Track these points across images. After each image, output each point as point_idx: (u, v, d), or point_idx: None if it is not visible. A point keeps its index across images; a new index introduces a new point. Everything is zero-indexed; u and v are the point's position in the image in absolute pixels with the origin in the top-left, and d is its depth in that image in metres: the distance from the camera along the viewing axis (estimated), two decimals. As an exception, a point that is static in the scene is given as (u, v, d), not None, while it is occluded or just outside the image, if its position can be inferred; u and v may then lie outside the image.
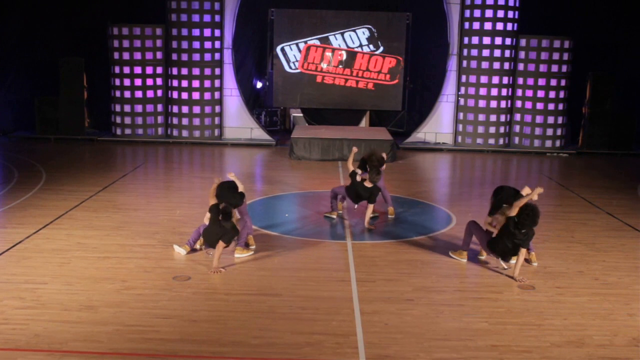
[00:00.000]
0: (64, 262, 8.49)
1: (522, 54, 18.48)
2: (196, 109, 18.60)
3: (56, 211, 10.86)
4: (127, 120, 18.72)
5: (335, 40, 19.19)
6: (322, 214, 11.06)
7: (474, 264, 8.95)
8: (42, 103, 18.60)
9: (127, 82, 18.52)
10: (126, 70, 18.47)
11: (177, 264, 8.55)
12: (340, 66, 19.29)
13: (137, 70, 18.50)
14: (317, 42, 19.20)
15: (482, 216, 11.36)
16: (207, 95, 18.68)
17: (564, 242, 9.95)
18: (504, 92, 18.53)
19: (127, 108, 18.65)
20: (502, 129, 18.71)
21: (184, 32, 18.29)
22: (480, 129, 18.61)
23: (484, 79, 18.42)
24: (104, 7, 19.12)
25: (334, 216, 10.84)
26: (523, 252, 8.27)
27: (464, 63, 18.63)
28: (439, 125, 19.08)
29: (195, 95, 18.58)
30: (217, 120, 18.97)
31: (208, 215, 8.67)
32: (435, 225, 10.88)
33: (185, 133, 18.72)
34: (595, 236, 10.30)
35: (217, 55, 18.64)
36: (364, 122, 20.10)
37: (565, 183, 14.59)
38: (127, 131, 18.77)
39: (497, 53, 18.30)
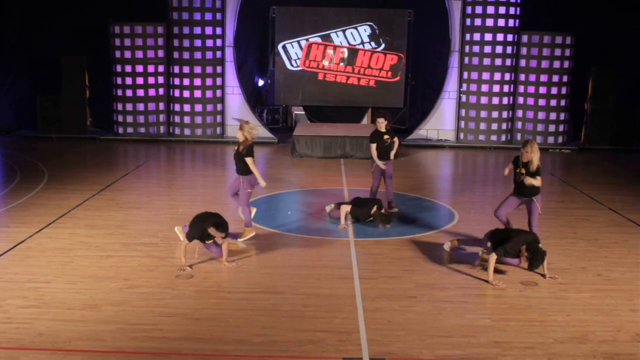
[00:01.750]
0: (67, 261, 8.51)
1: (523, 50, 18.46)
2: (198, 107, 18.60)
3: (59, 210, 10.88)
4: (129, 118, 18.73)
5: (337, 37, 19.18)
6: (324, 212, 11.04)
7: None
8: (44, 102, 18.61)
9: (129, 80, 18.53)
10: (128, 68, 18.47)
11: (179, 262, 8.55)
12: (342, 64, 19.28)
13: (139, 68, 18.50)
14: (319, 40, 19.19)
15: (483, 213, 11.38)
16: (208, 94, 18.68)
17: (567, 239, 9.95)
18: (505, 88, 18.51)
19: (129, 106, 18.66)
20: (504, 126, 18.70)
21: (186, 30, 18.29)
22: (482, 126, 18.59)
23: (485, 76, 18.41)
24: (106, 5, 19.10)
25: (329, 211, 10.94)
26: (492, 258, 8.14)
27: (466, 60, 18.62)
28: (441, 122, 19.06)
29: (197, 94, 18.59)
30: (219, 118, 18.97)
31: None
32: (438, 222, 10.87)
33: (187, 131, 18.73)
34: (598, 232, 10.30)
35: (218, 54, 18.64)
36: (366, 120, 20.10)
37: (568, 179, 14.57)
38: (129, 130, 18.78)
39: (498, 49, 18.28)
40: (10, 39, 19.26)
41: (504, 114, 18.63)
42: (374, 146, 10.93)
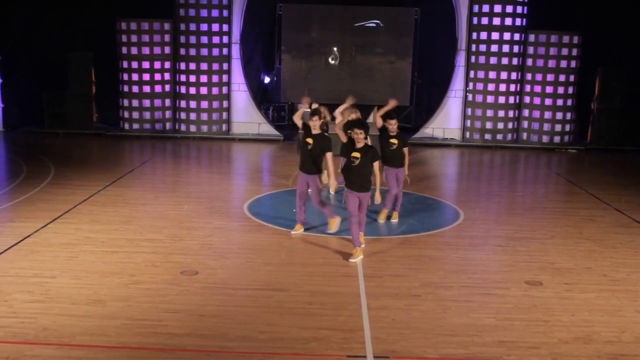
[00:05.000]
0: (72, 256, 8.53)
1: (530, 50, 18.42)
2: (204, 104, 18.62)
3: (64, 205, 10.90)
4: (135, 115, 18.76)
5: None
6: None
7: (480, 259, 8.94)
8: (50, 98, 18.69)
9: (135, 76, 18.57)
10: (134, 65, 18.51)
11: (185, 259, 8.57)
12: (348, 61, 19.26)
13: (145, 65, 18.53)
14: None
15: (488, 212, 11.36)
16: (215, 90, 18.70)
17: (572, 238, 9.92)
18: (512, 87, 18.48)
19: (135, 103, 18.70)
20: (510, 125, 18.66)
21: (192, 27, 18.31)
22: (489, 125, 18.56)
23: (492, 75, 18.37)
24: (113, 1, 19.15)
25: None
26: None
27: (472, 58, 18.58)
28: (447, 120, 19.04)
29: (203, 90, 18.60)
30: (224, 115, 18.98)
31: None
32: (443, 220, 10.87)
33: (193, 128, 18.74)
34: (604, 232, 10.27)
35: (225, 50, 18.64)
36: (372, 118, 20.07)
37: (574, 179, 14.54)
38: (135, 126, 18.81)
39: (505, 48, 18.24)
40: (17, 35, 19.31)
41: (510, 113, 18.59)
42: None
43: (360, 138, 8.57)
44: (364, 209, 8.89)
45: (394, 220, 10.61)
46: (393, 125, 10.14)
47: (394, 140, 10.14)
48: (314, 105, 11.08)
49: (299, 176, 9.65)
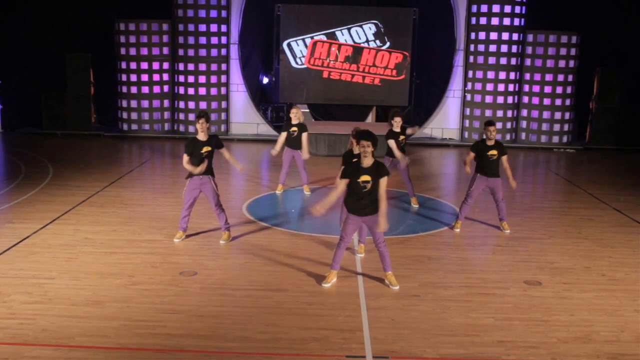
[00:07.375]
0: (71, 257, 8.53)
1: (529, 49, 18.44)
2: (202, 105, 18.61)
3: (63, 206, 10.90)
4: (134, 115, 18.76)
5: (342, 35, 19.14)
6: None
7: (479, 259, 8.95)
8: (48, 98, 18.67)
9: (133, 77, 18.57)
10: (133, 65, 18.51)
11: (183, 260, 8.57)
12: (347, 62, 19.25)
13: (144, 65, 18.52)
14: (324, 38, 19.16)
15: (487, 212, 11.36)
16: (213, 91, 18.70)
17: (571, 238, 9.93)
18: (510, 87, 18.49)
19: (133, 103, 18.70)
20: (508, 125, 18.67)
21: (191, 27, 18.32)
22: (487, 125, 18.55)
23: (490, 75, 18.38)
24: (111, 2, 19.14)
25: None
26: None
27: (471, 58, 18.59)
28: (446, 120, 19.05)
29: (202, 91, 18.60)
30: (223, 115, 18.99)
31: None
32: (442, 220, 10.86)
33: (191, 128, 18.72)
34: (603, 232, 10.27)
35: (223, 51, 18.65)
36: (371, 118, 20.08)
37: (572, 179, 14.54)
38: (134, 127, 18.81)
39: (504, 48, 18.26)
40: (16, 36, 19.29)
41: (509, 113, 18.61)
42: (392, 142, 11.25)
43: (368, 152, 7.29)
44: (380, 236, 7.68)
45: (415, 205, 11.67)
46: (398, 123, 11.40)
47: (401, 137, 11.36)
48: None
49: (189, 184, 9.18)
